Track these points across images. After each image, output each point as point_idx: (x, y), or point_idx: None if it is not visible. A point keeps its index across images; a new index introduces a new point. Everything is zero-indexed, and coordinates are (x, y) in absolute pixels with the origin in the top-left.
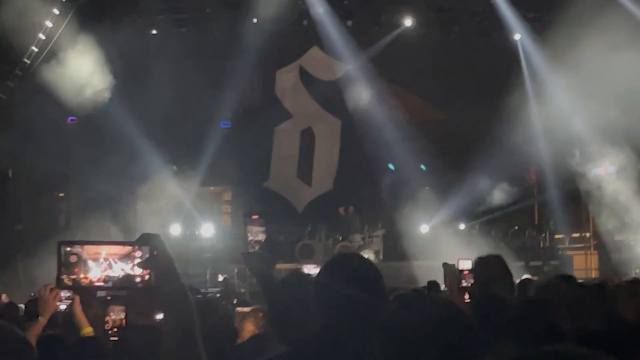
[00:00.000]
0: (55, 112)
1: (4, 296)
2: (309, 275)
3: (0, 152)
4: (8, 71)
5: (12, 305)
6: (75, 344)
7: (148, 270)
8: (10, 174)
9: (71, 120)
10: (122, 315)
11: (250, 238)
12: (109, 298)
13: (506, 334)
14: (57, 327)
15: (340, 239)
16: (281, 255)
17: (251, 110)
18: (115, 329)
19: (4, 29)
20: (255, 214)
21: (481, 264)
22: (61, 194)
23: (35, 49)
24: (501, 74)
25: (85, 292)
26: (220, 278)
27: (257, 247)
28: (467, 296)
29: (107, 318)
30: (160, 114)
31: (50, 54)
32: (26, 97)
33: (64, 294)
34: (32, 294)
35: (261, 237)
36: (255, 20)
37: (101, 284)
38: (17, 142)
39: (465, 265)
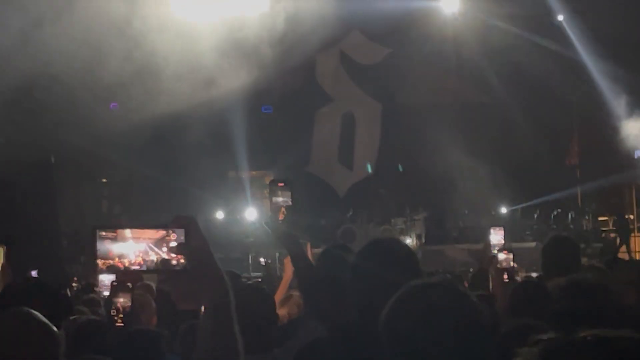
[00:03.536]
0: (97, 98)
1: (33, 273)
2: (341, 252)
3: (43, 138)
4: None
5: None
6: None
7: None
8: (52, 160)
9: (113, 106)
10: (129, 303)
11: (279, 204)
12: (115, 284)
13: (549, 318)
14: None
15: (383, 222)
16: (323, 240)
17: (292, 95)
18: (122, 315)
19: None
20: (282, 182)
21: (553, 244)
22: (104, 180)
23: (78, 35)
24: (545, 57)
25: (121, 275)
26: (262, 262)
27: (283, 213)
28: (505, 276)
29: (118, 304)
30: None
31: None
32: (68, 84)
33: (107, 280)
34: (75, 279)
35: (288, 202)
36: None
37: (137, 267)
38: (59, 129)
39: (499, 241)
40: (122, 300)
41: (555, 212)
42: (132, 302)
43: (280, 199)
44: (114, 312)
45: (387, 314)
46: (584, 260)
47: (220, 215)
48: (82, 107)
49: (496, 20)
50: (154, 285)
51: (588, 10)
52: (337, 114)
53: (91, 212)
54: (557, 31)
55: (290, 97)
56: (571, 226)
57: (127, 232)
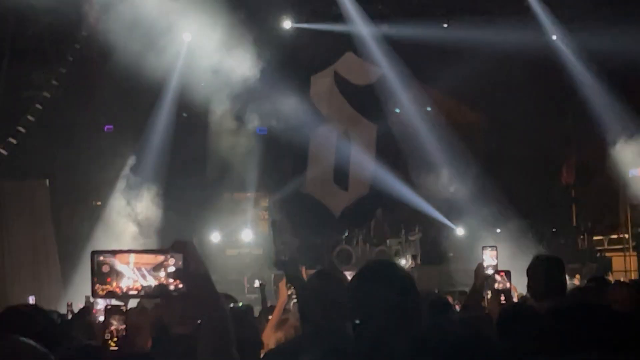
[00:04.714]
0: (92, 120)
1: (31, 298)
2: (333, 274)
3: (37, 161)
4: (45, 80)
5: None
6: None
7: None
8: (47, 183)
9: (108, 128)
10: (124, 326)
11: (281, 243)
12: (109, 307)
13: (538, 343)
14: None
15: (379, 243)
16: (318, 260)
17: (287, 116)
18: (116, 339)
19: (40, 40)
20: (282, 221)
21: (538, 265)
22: (98, 202)
23: (71, 58)
24: (538, 75)
25: (119, 301)
26: (257, 284)
27: (286, 251)
28: (502, 297)
29: (112, 328)
30: None
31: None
32: (63, 106)
33: (102, 305)
34: (70, 303)
35: (290, 240)
36: (289, 25)
37: (134, 292)
38: (54, 151)
39: (492, 261)
40: (115, 324)
41: (550, 231)
42: (127, 325)
43: (281, 238)
44: (107, 336)
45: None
46: (577, 279)
47: (216, 237)
48: (78, 128)
49: (489, 40)
50: (149, 308)
51: (582, 30)
52: (332, 135)
53: (87, 235)
54: (551, 51)
55: (284, 119)
56: (566, 246)
57: (126, 257)
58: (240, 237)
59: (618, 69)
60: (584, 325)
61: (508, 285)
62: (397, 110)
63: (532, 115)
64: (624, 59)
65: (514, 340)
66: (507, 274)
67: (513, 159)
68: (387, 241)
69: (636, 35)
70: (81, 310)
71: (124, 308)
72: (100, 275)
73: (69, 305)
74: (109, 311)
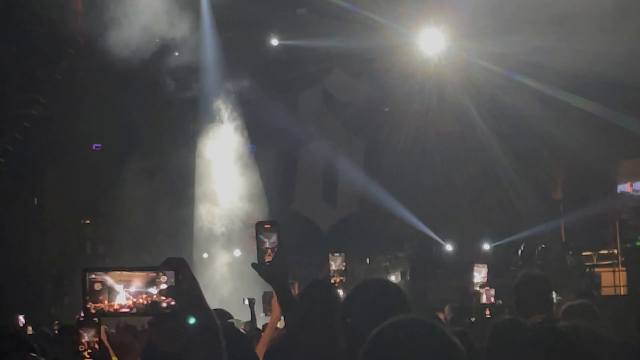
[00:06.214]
0: (80, 138)
1: (20, 317)
2: (326, 286)
3: (25, 179)
4: (32, 100)
5: (42, 332)
6: None
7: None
8: (35, 202)
9: (96, 147)
10: (96, 338)
11: (266, 246)
12: (82, 319)
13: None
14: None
15: (368, 260)
16: (306, 277)
17: (275, 133)
18: (90, 351)
19: (27, 58)
20: (268, 224)
21: (525, 281)
22: (87, 221)
23: (59, 76)
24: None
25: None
26: (245, 301)
27: (270, 255)
28: (487, 312)
29: (82, 340)
30: None
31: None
32: (50, 125)
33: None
34: (57, 322)
35: (275, 245)
36: (276, 43)
37: (126, 310)
38: (42, 170)
39: (481, 278)
40: (88, 336)
41: (539, 248)
42: (115, 344)
43: (266, 241)
44: (82, 348)
45: (366, 348)
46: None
47: (205, 255)
48: (66, 147)
49: (477, 57)
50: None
51: (566, 48)
52: (320, 152)
53: (75, 253)
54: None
55: (273, 135)
56: (555, 261)
57: (117, 275)
58: (230, 254)
59: (610, 85)
60: (559, 346)
61: (493, 300)
62: (386, 109)
63: (521, 131)
64: (616, 74)
65: (503, 354)
66: (494, 289)
67: (502, 175)
68: (377, 258)
69: (628, 52)
70: (64, 328)
71: (96, 319)
72: (93, 293)
73: (57, 325)
74: (81, 323)
